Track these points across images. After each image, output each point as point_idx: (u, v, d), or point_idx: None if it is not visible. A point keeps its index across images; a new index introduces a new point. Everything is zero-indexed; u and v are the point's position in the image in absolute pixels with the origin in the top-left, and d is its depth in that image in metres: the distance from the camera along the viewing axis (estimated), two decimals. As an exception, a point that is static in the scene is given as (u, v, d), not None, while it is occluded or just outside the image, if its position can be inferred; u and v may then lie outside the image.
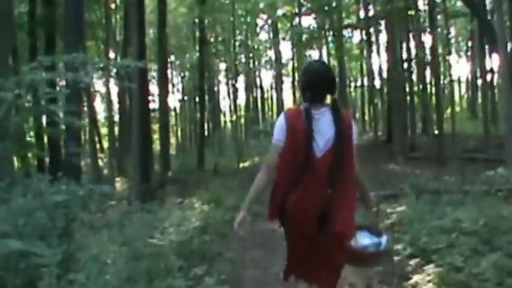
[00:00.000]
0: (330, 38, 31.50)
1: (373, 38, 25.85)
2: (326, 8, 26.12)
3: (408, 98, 23.17)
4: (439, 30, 24.36)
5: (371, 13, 24.55)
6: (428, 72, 25.39)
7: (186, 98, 39.27)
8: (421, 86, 24.09)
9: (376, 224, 3.54)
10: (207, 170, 20.75)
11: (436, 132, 22.70)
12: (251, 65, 37.54)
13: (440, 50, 26.17)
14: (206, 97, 30.95)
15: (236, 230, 3.17)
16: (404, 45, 23.65)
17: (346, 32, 31.41)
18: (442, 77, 28.21)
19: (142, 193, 13.28)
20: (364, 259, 3.31)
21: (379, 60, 22.84)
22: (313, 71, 3.24)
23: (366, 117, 38.65)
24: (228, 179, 14.89)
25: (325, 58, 36.44)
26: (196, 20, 25.13)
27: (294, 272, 3.31)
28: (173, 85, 38.03)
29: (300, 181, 3.04)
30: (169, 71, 36.75)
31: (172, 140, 42.00)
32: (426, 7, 22.84)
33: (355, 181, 3.20)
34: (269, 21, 34.83)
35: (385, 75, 25.37)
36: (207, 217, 7.89)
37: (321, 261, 3.18)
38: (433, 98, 25.60)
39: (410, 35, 22.39)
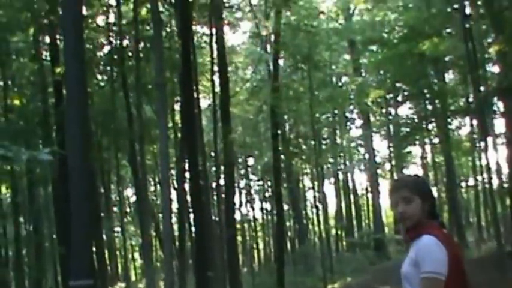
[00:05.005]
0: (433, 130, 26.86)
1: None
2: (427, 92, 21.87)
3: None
4: None
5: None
6: None
7: (269, 206, 35.44)
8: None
9: None
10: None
11: None
12: (341, 166, 33.09)
13: None
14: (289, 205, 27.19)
15: None
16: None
17: (452, 122, 26.51)
18: None
19: None
20: None
21: (497, 155, 17.50)
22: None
23: (483, 223, 33.14)
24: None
25: (429, 153, 31.78)
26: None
27: None
28: (250, 191, 34.25)
29: None
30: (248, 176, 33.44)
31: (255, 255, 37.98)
32: None
33: None
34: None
35: (505, 171, 20.01)
36: None
37: None
38: None
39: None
